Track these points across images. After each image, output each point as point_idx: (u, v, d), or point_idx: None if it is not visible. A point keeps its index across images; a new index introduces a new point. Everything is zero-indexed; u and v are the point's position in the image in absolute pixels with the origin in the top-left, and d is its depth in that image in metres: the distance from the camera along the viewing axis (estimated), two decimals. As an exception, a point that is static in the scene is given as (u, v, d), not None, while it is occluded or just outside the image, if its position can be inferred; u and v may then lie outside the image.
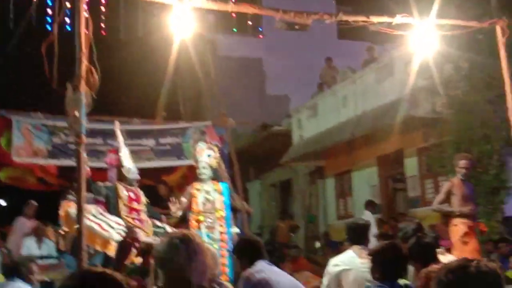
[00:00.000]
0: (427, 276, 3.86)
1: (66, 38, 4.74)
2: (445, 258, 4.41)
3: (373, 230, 10.08)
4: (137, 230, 6.22)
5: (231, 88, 16.65)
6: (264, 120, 17.85)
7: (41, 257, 8.58)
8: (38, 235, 9.22)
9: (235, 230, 7.76)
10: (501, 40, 6.50)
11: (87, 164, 5.05)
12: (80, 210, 4.39)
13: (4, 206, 25.41)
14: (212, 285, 3.12)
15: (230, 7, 5.78)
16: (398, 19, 5.86)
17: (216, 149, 7.96)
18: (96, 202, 7.25)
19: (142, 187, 7.67)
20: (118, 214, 7.03)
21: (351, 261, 4.33)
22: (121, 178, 7.27)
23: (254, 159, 18.44)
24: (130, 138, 8.94)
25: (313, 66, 17.05)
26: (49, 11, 11.06)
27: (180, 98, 17.74)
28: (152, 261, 4.54)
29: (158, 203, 9.02)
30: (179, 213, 7.50)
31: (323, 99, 14.98)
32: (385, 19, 5.89)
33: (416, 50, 8.78)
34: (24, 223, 9.74)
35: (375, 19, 5.85)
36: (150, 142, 9.89)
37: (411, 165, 12.54)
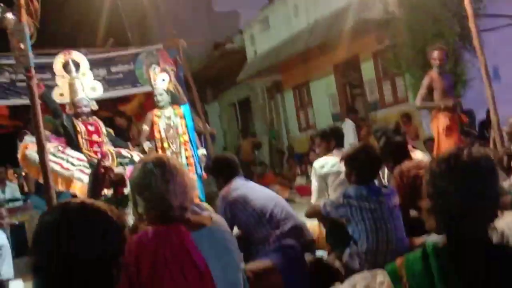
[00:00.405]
0: (401, 173, 3.92)
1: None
2: (417, 153, 4.49)
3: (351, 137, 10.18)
4: (105, 160, 6.06)
5: (178, 8, 16.02)
6: (215, 38, 17.41)
7: (7, 201, 8.40)
8: (0, 179, 8.98)
9: (202, 151, 7.70)
10: None
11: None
12: (41, 148, 4.21)
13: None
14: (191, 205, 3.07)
15: None
16: None
17: (171, 71, 7.73)
18: (56, 139, 7.00)
19: (100, 119, 7.43)
20: (78, 149, 6.84)
21: (336, 163, 4.33)
22: (77, 112, 7.00)
23: (210, 79, 18.18)
24: (79, 69, 8.55)
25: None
26: None
27: (126, 23, 16.98)
28: (125, 190, 4.45)
29: (117, 135, 8.82)
30: (144, 142, 7.37)
31: (274, 11, 14.63)
32: None
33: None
34: (-18, 169, 9.44)
35: None
36: (101, 72, 9.47)
37: (367, 69, 12.59)
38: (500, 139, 5.46)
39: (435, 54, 6.45)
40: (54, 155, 6.45)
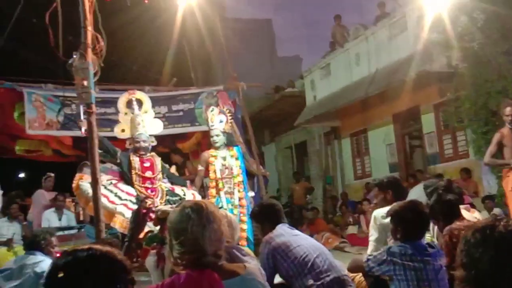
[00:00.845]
0: (450, 233, 3.79)
1: (69, 5, 4.61)
2: (468, 214, 4.33)
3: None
4: (148, 200, 6.19)
5: (241, 51, 16.42)
6: (276, 82, 17.67)
7: (62, 229, 8.67)
8: (58, 206, 9.30)
9: (251, 194, 7.76)
10: (518, -12, 6.23)
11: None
12: (95, 180, 4.36)
13: (23, 179, 25.80)
14: (230, 251, 3.08)
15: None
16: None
17: (228, 113, 7.88)
18: (113, 172, 7.24)
19: (158, 155, 7.64)
20: (131, 183, 7.03)
21: None
22: (135, 147, 7.23)
23: (268, 122, 18.37)
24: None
25: (324, 24, 16.73)
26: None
27: (190, 63, 17.53)
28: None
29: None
30: (201, 182, 7.53)
31: (336, 58, 14.73)
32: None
33: (428, 3, 8.56)
34: (43, 196, 9.82)
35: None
36: (163, 110, 9.79)
37: (427, 121, 12.37)
38: None
39: (508, 110, 6.28)
40: (105, 187, 6.65)
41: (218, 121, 7.59)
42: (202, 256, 2.14)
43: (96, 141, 4.35)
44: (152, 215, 4.24)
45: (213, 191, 7.42)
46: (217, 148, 7.57)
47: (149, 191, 6.94)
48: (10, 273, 4.87)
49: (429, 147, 12.42)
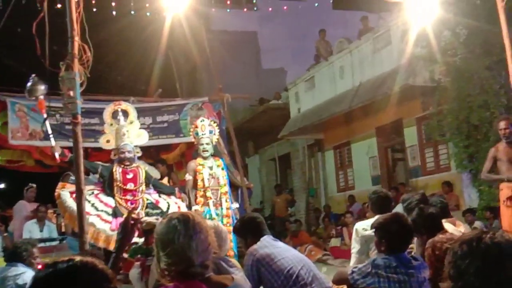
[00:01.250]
0: (433, 245, 3.83)
1: (57, 16, 4.61)
2: (453, 227, 4.37)
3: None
4: (135, 211, 6.21)
5: (227, 63, 16.47)
6: (261, 94, 17.73)
7: (43, 240, 8.56)
8: (40, 218, 9.19)
9: (235, 205, 7.79)
10: (500, 4, 6.37)
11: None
12: (79, 191, 4.34)
13: (4, 190, 25.43)
14: (217, 262, 3.08)
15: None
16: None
17: (214, 125, 7.95)
18: (95, 184, 7.22)
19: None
20: (112, 195, 7.04)
21: None
22: (120, 158, 7.22)
23: (252, 134, 18.40)
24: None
25: (309, 38, 16.87)
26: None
27: (175, 74, 17.54)
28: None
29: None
30: (191, 191, 7.55)
31: (320, 71, 14.84)
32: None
33: (413, 18, 8.69)
34: (25, 206, 9.69)
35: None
36: (147, 120, 9.80)
37: (410, 135, 12.49)
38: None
39: (502, 124, 6.42)
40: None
41: (208, 131, 7.69)
42: (190, 266, 2.14)
43: (81, 152, 4.33)
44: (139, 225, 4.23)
45: (200, 200, 7.45)
46: (204, 158, 7.61)
47: (129, 203, 6.95)
48: (-9, 285, 4.80)
49: (411, 160, 12.54)
